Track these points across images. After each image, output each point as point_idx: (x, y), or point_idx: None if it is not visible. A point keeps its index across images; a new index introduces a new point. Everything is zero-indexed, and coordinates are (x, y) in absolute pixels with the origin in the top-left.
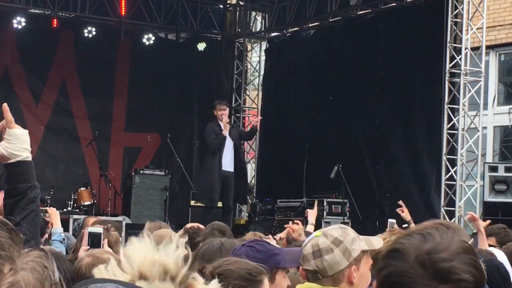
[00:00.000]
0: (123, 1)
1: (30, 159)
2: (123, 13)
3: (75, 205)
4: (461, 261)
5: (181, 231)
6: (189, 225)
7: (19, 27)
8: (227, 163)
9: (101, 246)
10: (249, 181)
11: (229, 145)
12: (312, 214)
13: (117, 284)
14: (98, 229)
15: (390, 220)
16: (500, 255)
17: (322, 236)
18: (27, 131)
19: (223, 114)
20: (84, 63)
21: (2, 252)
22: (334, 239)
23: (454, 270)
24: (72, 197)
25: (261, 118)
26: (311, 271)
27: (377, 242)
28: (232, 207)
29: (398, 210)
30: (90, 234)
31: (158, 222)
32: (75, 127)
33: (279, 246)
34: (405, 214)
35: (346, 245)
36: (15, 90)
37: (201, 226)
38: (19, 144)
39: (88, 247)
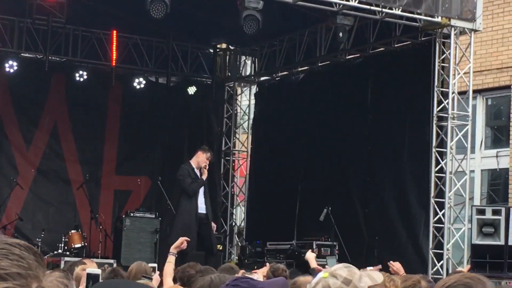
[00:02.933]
0: (114, 47)
1: None
2: (114, 63)
3: (66, 247)
4: None
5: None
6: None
7: (11, 70)
8: (201, 205)
9: None
10: (238, 224)
11: (201, 188)
12: (313, 259)
13: None
14: (97, 270)
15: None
16: None
17: (330, 277)
18: None
19: (207, 162)
20: (75, 107)
21: (30, 272)
22: (343, 279)
23: None
24: (63, 239)
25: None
26: None
27: (378, 276)
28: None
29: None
30: (89, 275)
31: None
32: (66, 170)
33: (261, 280)
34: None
35: (355, 283)
36: (7, 134)
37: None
38: None
39: None
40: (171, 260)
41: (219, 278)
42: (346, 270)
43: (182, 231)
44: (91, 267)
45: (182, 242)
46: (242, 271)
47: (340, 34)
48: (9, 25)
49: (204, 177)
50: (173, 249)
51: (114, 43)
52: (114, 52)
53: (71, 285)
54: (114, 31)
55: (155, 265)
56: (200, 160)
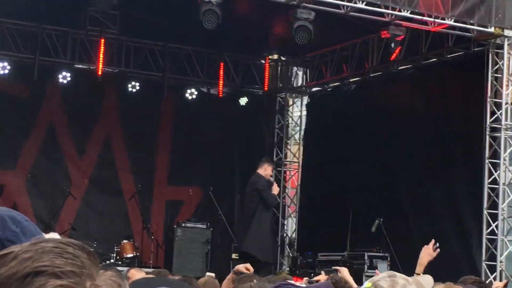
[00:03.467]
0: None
1: None
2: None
3: (118, 257)
4: None
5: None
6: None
7: (65, 81)
8: None
9: None
10: (290, 235)
11: None
12: (346, 272)
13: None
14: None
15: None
16: None
17: (373, 287)
18: None
19: (272, 175)
20: (128, 117)
21: (84, 270)
22: None
23: None
24: (115, 249)
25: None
26: None
27: (428, 282)
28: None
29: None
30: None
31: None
32: (118, 180)
33: (304, 285)
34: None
35: None
36: (60, 144)
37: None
38: None
39: None
40: (230, 278)
41: (259, 286)
42: (388, 280)
43: (260, 244)
44: (139, 275)
45: (247, 268)
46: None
47: (392, 45)
48: (62, 36)
49: (276, 192)
50: (237, 270)
51: (165, 55)
52: (162, 64)
53: (124, 284)
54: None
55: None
56: (267, 172)
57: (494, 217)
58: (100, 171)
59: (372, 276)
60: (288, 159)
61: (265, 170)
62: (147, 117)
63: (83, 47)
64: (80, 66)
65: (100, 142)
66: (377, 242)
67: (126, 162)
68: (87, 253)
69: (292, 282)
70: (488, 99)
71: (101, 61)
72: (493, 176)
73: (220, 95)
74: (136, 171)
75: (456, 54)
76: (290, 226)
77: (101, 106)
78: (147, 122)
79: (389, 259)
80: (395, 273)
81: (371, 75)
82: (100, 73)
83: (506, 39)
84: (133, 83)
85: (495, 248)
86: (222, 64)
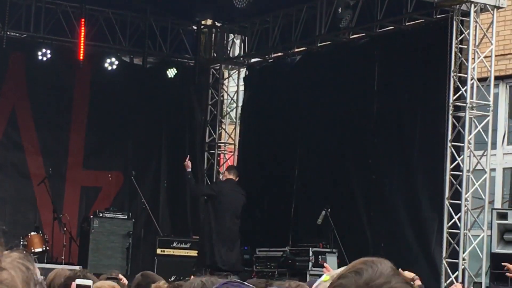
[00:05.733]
0: (83, 22)
1: None
2: (81, 57)
3: (25, 252)
4: (397, 281)
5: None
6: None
7: None
8: None
9: None
10: None
11: None
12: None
13: None
14: (87, 281)
15: None
16: None
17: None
18: None
19: None
20: (37, 90)
21: None
22: None
23: None
24: (21, 243)
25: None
26: None
27: None
28: None
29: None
30: (79, 286)
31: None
32: (25, 163)
33: (253, 286)
34: None
35: None
36: None
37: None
38: None
39: None
40: None
41: (211, 281)
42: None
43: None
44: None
45: None
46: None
47: (340, 10)
48: None
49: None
50: None
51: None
52: (83, 28)
53: (33, 267)
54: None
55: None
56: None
57: (457, 209)
58: (4, 152)
59: (318, 275)
60: (222, 140)
61: None
62: (59, 90)
63: None
64: None
65: (4, 119)
66: (323, 237)
67: (34, 142)
68: None
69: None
70: (452, 74)
71: (6, 25)
72: (456, 162)
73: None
74: (46, 153)
75: (416, 22)
76: None
77: (6, 76)
78: (59, 96)
79: (337, 256)
80: None
81: (319, 44)
82: (4, 38)
83: (472, 5)
84: (44, 50)
85: (457, 244)
86: (147, 29)
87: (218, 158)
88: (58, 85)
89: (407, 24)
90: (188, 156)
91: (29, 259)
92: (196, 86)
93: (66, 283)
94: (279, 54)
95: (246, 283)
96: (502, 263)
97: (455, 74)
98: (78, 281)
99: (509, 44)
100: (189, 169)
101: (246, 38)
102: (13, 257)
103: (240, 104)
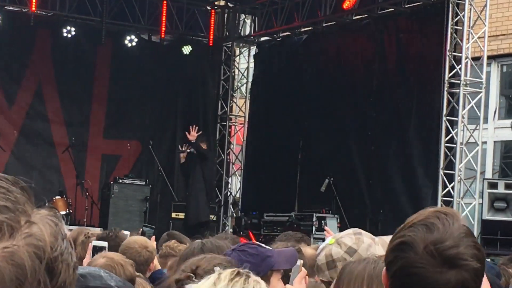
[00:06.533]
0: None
1: None
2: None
3: None
4: (465, 245)
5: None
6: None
7: None
8: None
9: None
10: (234, 194)
11: None
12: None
13: None
14: (103, 242)
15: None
16: None
17: (335, 245)
18: None
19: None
20: (62, 65)
21: (19, 206)
22: (348, 248)
23: (460, 256)
24: (46, 206)
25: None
26: (326, 282)
27: None
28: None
29: None
30: (95, 247)
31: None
32: (50, 133)
33: (270, 248)
34: None
35: (360, 253)
36: None
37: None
38: None
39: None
40: None
41: (211, 243)
42: (353, 238)
43: None
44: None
45: None
46: (242, 238)
47: None
48: None
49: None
50: None
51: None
52: (100, 8)
53: (61, 225)
54: None
55: None
56: None
57: (450, 178)
58: (31, 122)
59: (320, 239)
60: (233, 113)
61: None
62: (82, 65)
63: None
64: (10, 8)
65: (31, 92)
66: (326, 203)
67: (59, 113)
68: (20, 188)
69: (257, 242)
70: (447, 53)
71: (34, 3)
72: (450, 135)
73: (163, 38)
74: (70, 123)
75: (415, 4)
76: (235, 184)
77: (33, 52)
78: (82, 71)
79: (338, 221)
80: (361, 230)
81: (324, 24)
82: (32, 16)
83: None
84: (68, 28)
85: None
86: (165, 9)
87: (229, 130)
88: (81, 60)
89: (406, 6)
90: (195, 126)
91: (57, 216)
92: (209, 63)
93: (83, 242)
94: (287, 33)
95: (262, 245)
96: None
97: (450, 53)
98: (95, 243)
99: (501, 26)
100: (193, 140)
101: (256, 18)
102: (43, 214)
103: (250, 79)
